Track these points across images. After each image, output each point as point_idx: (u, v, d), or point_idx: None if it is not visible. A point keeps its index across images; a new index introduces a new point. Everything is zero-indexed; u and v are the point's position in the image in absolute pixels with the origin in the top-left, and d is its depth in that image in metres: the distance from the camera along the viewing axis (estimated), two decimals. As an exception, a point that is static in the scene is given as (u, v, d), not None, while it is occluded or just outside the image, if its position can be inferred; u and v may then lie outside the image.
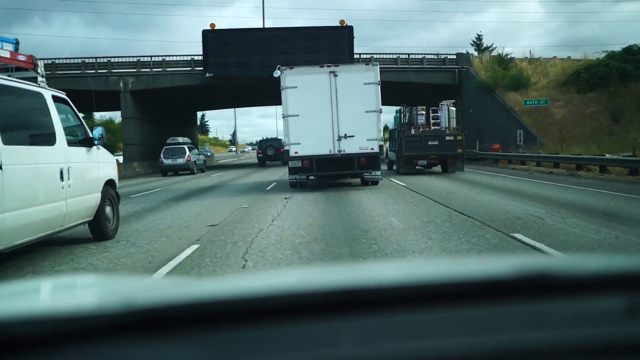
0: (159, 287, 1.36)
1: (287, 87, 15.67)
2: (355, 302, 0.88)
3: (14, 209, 5.69)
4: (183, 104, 46.46)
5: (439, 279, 1.00)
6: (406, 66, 37.94)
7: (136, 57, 36.85)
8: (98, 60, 36.21)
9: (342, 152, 15.72)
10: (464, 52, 40.77)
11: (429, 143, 21.67)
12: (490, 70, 35.51)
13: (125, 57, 37.17)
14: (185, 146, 31.37)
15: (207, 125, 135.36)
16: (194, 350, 0.80)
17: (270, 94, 35.71)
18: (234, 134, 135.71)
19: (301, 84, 15.63)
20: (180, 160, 30.43)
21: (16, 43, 7.03)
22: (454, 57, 39.19)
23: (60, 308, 0.97)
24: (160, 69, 36.51)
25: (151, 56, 37.12)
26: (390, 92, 42.34)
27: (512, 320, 0.87)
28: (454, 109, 23.97)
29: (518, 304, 0.89)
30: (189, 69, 36.63)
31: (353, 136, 15.62)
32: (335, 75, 15.66)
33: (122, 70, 36.25)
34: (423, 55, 39.56)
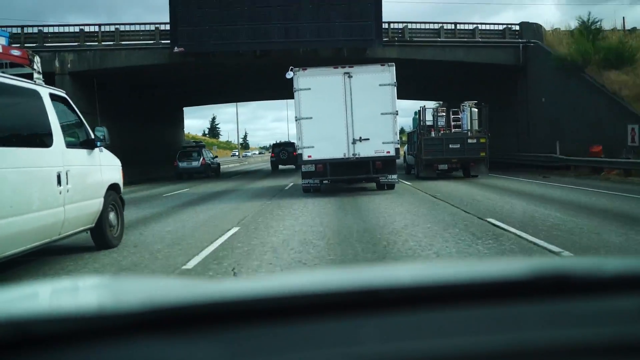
0: (177, 287, 1.32)
1: (300, 89, 15.19)
2: (375, 301, 0.89)
3: (4, 216, 5.19)
4: (161, 95, 36.20)
5: (457, 279, 1.04)
6: (452, 40, 28.40)
7: (79, 25, 26.80)
8: (25, 30, 26.01)
9: (356, 156, 15.22)
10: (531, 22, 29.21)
11: (450, 146, 20.54)
12: (576, 43, 24.93)
13: (64, 25, 27.09)
14: (200, 150, 31.63)
15: (219, 128, 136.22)
16: (214, 349, 0.80)
17: (269, 80, 28.81)
18: (244, 137, 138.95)
19: (314, 85, 15.16)
20: (195, 164, 30.32)
21: (9, 37, 6.55)
22: (517, 27, 28.90)
23: (80, 306, 1.00)
24: (112, 43, 26.40)
25: (99, 25, 26.99)
26: (431, 76, 33.35)
27: (531, 320, 0.87)
28: (476, 110, 22.41)
29: (536, 303, 0.90)
30: (152, 42, 26.55)
31: (368, 139, 15.13)
32: (350, 77, 15.16)
33: (59, 44, 26.10)
34: (475, 26, 29.20)
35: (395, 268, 1.88)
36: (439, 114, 22.08)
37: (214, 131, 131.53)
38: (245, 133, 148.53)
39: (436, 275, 1.15)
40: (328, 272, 1.79)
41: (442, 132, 21.62)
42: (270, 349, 0.80)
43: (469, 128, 21.69)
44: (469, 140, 20.74)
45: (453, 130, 21.80)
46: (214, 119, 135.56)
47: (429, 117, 21.98)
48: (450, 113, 22.21)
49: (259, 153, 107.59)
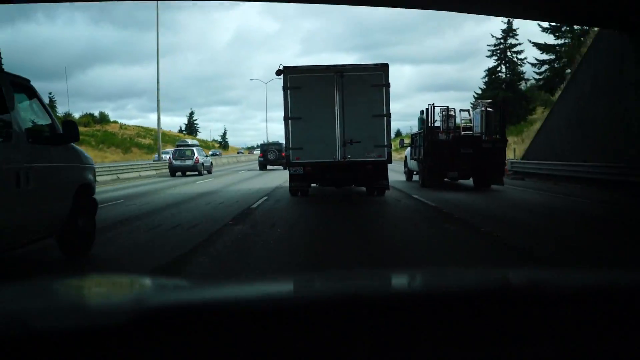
0: (167, 287, 1.30)
1: (290, 87, 14.51)
2: (361, 308, 0.91)
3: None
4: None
5: (434, 288, 1.13)
6: None
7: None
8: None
9: (347, 159, 14.55)
10: None
11: (462, 151, 17.69)
12: None
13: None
14: (194, 148, 32.62)
15: (197, 124, 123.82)
16: (204, 350, 0.80)
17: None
18: (223, 135, 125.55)
19: (305, 84, 14.49)
20: (188, 162, 31.44)
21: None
22: None
23: (72, 305, 1.03)
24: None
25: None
26: None
27: (502, 329, 0.89)
28: (492, 110, 19.66)
29: (507, 312, 0.93)
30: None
31: (359, 142, 14.46)
32: (342, 77, 14.51)
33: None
34: None
35: (381, 273, 1.87)
36: (448, 114, 19.22)
37: (191, 127, 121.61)
38: (225, 130, 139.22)
39: (416, 284, 1.24)
40: (320, 276, 1.75)
41: (452, 134, 19.00)
42: (261, 353, 0.80)
43: (482, 131, 19.11)
44: (484, 145, 17.99)
45: (462, 133, 19.35)
46: (191, 114, 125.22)
47: (437, 117, 19.26)
48: (459, 113, 19.95)
49: (239, 152, 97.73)
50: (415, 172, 21.74)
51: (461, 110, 20.10)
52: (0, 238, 5.20)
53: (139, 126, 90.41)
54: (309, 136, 14.42)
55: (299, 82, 14.47)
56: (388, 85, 14.54)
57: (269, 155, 39.00)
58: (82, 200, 6.85)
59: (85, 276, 4.21)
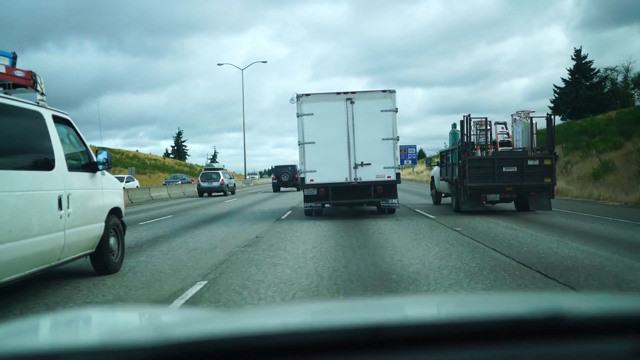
0: (189, 320, 1.30)
1: (304, 114, 15.40)
2: (375, 340, 0.89)
3: (2, 241, 5.01)
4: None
5: (458, 317, 1.08)
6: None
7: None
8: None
9: (358, 180, 15.42)
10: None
11: (504, 170, 15.21)
12: None
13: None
14: (220, 171, 36.54)
15: (185, 147, 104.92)
16: None
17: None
18: (213, 158, 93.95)
19: (317, 111, 15.37)
20: (215, 184, 35.39)
21: (13, 57, 6.43)
22: None
23: (81, 342, 1.03)
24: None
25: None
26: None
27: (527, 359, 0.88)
28: (535, 122, 16.66)
29: (532, 344, 0.91)
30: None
31: (370, 164, 15.36)
32: (352, 103, 15.43)
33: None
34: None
35: (398, 302, 1.83)
36: (481, 128, 16.56)
37: (179, 151, 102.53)
38: (215, 152, 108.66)
39: (437, 313, 1.19)
40: (334, 306, 1.76)
41: (492, 150, 16.41)
42: None
43: (525, 146, 16.28)
44: (530, 162, 15.37)
45: (499, 148, 16.72)
46: (179, 134, 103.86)
47: (473, 130, 16.53)
48: (495, 126, 17.18)
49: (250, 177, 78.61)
50: (443, 195, 19.88)
51: (496, 123, 17.43)
52: (47, 255, 5.81)
53: (149, 154, 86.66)
54: (322, 159, 15.26)
55: (312, 109, 15.32)
56: (395, 110, 15.43)
57: (282, 177, 39.79)
58: (113, 221, 7.47)
59: (110, 308, 4.63)
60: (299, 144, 15.48)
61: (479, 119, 16.50)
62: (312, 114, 15.29)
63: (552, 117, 16.49)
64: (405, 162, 60.94)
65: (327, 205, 16.47)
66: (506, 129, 17.49)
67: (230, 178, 39.38)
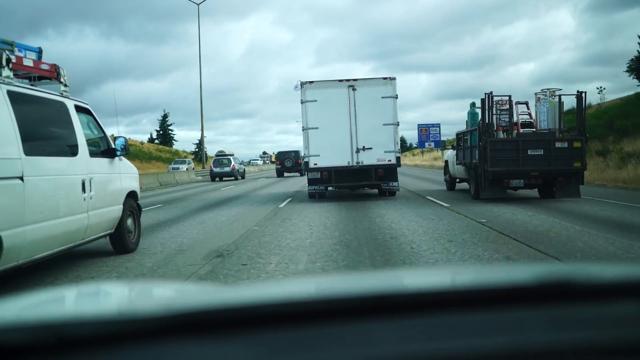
0: (196, 292, 1.37)
1: (307, 101, 16.00)
2: (389, 306, 0.92)
3: (35, 221, 5.50)
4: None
5: (464, 285, 1.10)
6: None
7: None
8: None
9: (360, 164, 16.07)
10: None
11: (530, 152, 13.87)
12: None
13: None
14: (230, 157, 39.36)
15: (172, 132, 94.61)
16: (235, 351, 0.83)
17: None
18: (198, 144, 78.42)
19: (321, 97, 15.97)
20: (226, 169, 38.00)
21: (39, 52, 6.88)
22: None
23: (104, 311, 1.06)
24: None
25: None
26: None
27: (536, 323, 0.90)
28: (563, 101, 15.26)
29: (541, 308, 0.93)
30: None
31: (371, 148, 16.01)
32: (354, 89, 16.02)
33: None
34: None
35: (405, 274, 1.88)
36: (502, 107, 15.01)
37: (165, 136, 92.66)
38: (201, 137, 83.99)
39: (446, 281, 1.21)
40: (343, 278, 1.82)
41: (516, 131, 15.08)
42: (291, 351, 0.84)
43: (551, 127, 14.93)
44: (558, 144, 14.03)
45: (521, 130, 15.35)
46: (165, 117, 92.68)
47: (494, 110, 14.90)
48: (515, 105, 15.52)
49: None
50: (458, 180, 18.79)
51: (517, 103, 15.85)
52: (73, 235, 6.32)
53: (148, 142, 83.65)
54: (325, 144, 15.91)
55: (315, 96, 15.96)
56: (396, 96, 16.06)
57: (286, 162, 40.40)
58: (130, 204, 7.97)
59: (115, 282, 4.99)
60: (303, 130, 16.13)
61: (500, 98, 14.99)
62: (315, 101, 15.93)
63: (583, 94, 14.74)
64: (426, 144, 54.01)
65: (330, 188, 17.10)
66: (528, 109, 16.08)
67: (240, 163, 42.71)
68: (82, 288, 1.78)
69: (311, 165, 16.09)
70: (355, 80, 16.22)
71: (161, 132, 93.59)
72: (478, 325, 0.90)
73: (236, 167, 38.68)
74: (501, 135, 14.81)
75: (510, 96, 15.02)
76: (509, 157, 14.01)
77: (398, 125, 16.13)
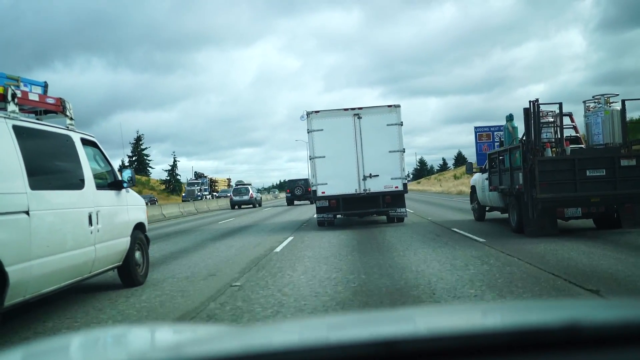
0: (205, 338, 1.34)
1: (314, 130, 16.17)
2: (392, 354, 0.89)
3: (41, 256, 5.45)
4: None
5: (474, 329, 1.05)
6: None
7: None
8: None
9: (367, 191, 16.15)
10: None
11: (588, 174, 11.13)
12: None
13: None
14: (249, 186, 43.70)
15: (147, 157, 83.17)
16: None
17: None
18: (172, 169, 79.38)
19: (327, 126, 16.12)
20: (245, 197, 41.95)
21: (45, 86, 6.93)
22: None
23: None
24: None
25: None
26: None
27: None
28: (618, 109, 12.25)
29: (550, 353, 0.90)
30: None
31: (378, 175, 16.10)
32: (359, 118, 16.18)
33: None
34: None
35: (411, 314, 1.82)
36: (545, 120, 12.24)
37: (140, 163, 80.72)
38: (174, 162, 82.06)
39: (452, 325, 1.18)
40: (349, 320, 1.78)
41: (569, 146, 12.10)
42: None
43: (607, 141, 12.22)
44: (624, 162, 11.28)
45: (568, 146, 12.16)
46: (138, 140, 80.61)
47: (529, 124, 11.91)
48: (554, 118, 12.38)
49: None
50: (488, 209, 16.09)
51: (563, 113, 12.60)
52: (80, 268, 6.26)
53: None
54: (332, 172, 16.01)
55: (322, 125, 16.11)
56: (401, 123, 16.18)
57: (295, 191, 40.71)
58: (137, 236, 7.92)
59: (122, 326, 4.96)
60: (310, 159, 16.33)
61: (549, 109, 12.35)
62: (321, 130, 16.09)
63: None
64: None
65: (338, 215, 17.12)
66: (572, 121, 13.18)
67: (257, 192, 47.47)
68: (88, 335, 1.74)
69: (319, 193, 16.18)
70: (360, 108, 16.38)
71: (134, 157, 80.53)
72: None
73: (254, 196, 42.64)
74: (549, 153, 11.90)
75: (561, 104, 12.19)
76: (562, 180, 11.21)
77: (404, 151, 16.26)
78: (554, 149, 12.11)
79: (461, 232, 13.17)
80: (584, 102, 12.92)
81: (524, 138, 11.92)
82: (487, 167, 15.51)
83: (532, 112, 11.62)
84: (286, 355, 0.90)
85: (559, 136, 12.21)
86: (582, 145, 12.82)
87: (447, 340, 0.96)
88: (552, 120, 12.19)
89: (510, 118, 14.53)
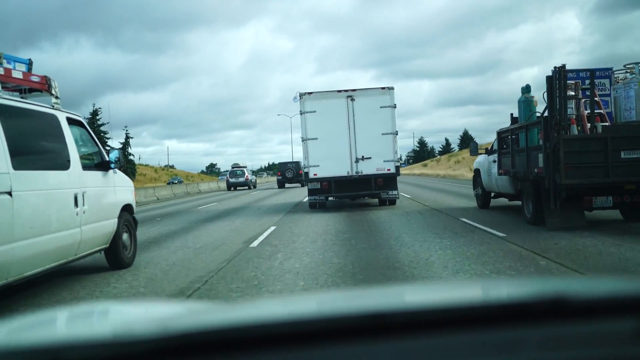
0: (191, 312, 1.34)
1: (306, 112, 16.03)
2: (381, 326, 0.91)
3: (24, 237, 5.32)
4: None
5: (461, 302, 1.06)
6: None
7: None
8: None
9: (359, 174, 16.08)
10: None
11: (623, 156, 9.37)
12: None
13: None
14: (244, 169, 44.85)
15: (105, 135, 64.04)
16: None
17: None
18: (125, 143, 70.17)
19: (320, 108, 15.98)
20: (241, 179, 43.46)
21: (29, 63, 6.74)
22: None
23: (96, 334, 1.02)
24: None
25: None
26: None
27: (529, 342, 0.90)
28: None
29: (535, 325, 0.92)
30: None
31: (370, 158, 16.02)
32: (353, 100, 16.05)
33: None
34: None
35: (401, 290, 1.79)
36: (593, 87, 10.26)
37: (124, 150, 66.48)
38: (127, 138, 72.52)
39: (441, 299, 1.19)
40: (338, 296, 1.79)
41: (599, 122, 10.40)
42: None
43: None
44: None
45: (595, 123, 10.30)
46: (95, 113, 67.43)
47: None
48: (577, 89, 10.34)
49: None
50: (493, 195, 14.56)
51: (582, 88, 10.53)
52: (65, 251, 6.14)
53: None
54: (325, 154, 15.91)
55: (314, 107, 15.95)
56: (394, 106, 16.04)
57: (287, 173, 40.66)
58: (125, 218, 7.79)
59: (109, 302, 4.90)
60: (303, 140, 16.16)
61: (577, 73, 10.65)
62: (314, 112, 15.95)
63: None
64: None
65: (330, 198, 17.05)
66: (595, 95, 10.49)
67: (252, 174, 49.24)
68: (74, 309, 1.69)
69: (311, 175, 16.09)
70: (353, 90, 16.25)
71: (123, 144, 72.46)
72: (473, 344, 0.89)
73: (249, 178, 44.31)
74: (575, 131, 10.05)
75: (592, 70, 10.41)
76: (591, 164, 9.42)
77: (397, 134, 16.16)
78: (578, 127, 10.22)
79: (472, 223, 11.37)
80: (612, 72, 11.20)
81: (545, 112, 9.97)
82: (493, 148, 13.95)
83: (558, 81, 9.65)
84: (273, 328, 0.91)
85: (587, 111, 10.25)
86: (607, 123, 10.68)
87: (437, 313, 0.97)
88: (573, 93, 10.14)
89: (526, 89, 11.93)
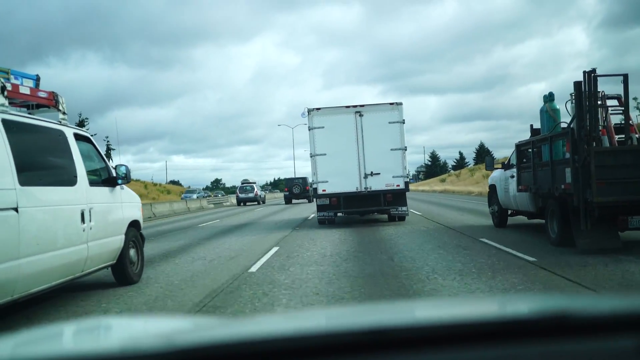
0: (197, 327, 1.33)
1: (315, 127, 16.00)
2: (384, 342, 0.90)
3: (30, 254, 5.28)
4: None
5: (466, 319, 1.06)
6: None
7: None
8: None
9: (368, 189, 15.96)
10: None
11: None
12: None
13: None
14: (254, 185, 46.11)
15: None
16: None
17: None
18: (107, 151, 42.58)
19: (328, 124, 15.96)
20: (250, 195, 44.81)
21: (37, 79, 6.76)
22: None
23: (105, 348, 1.02)
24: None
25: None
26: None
27: (532, 358, 0.89)
28: None
29: (538, 342, 0.92)
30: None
31: (379, 173, 15.92)
32: (361, 115, 16.02)
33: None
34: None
35: (404, 307, 1.78)
36: (606, 97, 9.44)
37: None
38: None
39: (445, 315, 1.19)
40: (343, 311, 1.80)
41: (635, 134, 9.70)
42: None
43: None
44: None
45: (617, 137, 9.60)
46: (81, 123, 45.97)
47: (568, 109, 9.63)
48: (604, 99, 9.42)
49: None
50: (511, 212, 13.51)
51: (609, 97, 9.59)
52: (72, 267, 6.10)
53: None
54: (333, 170, 15.83)
55: (323, 122, 15.94)
56: (403, 121, 15.99)
57: (294, 189, 40.63)
58: (132, 234, 7.75)
59: (116, 316, 4.85)
60: (311, 156, 16.13)
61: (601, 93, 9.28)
62: (323, 127, 15.94)
63: None
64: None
65: (339, 214, 16.97)
66: (621, 105, 9.57)
67: (262, 190, 50.51)
68: (81, 323, 1.71)
69: (320, 191, 16.02)
70: (362, 106, 16.22)
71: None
72: None
73: (259, 193, 45.70)
74: (606, 142, 9.16)
75: (626, 75, 9.08)
76: (627, 179, 8.47)
77: (406, 149, 16.09)
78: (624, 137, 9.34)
79: (494, 244, 10.33)
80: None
81: (573, 123, 9.01)
82: (510, 162, 13.02)
83: (588, 88, 8.65)
84: (279, 343, 0.91)
85: (620, 121, 9.28)
86: (638, 135, 9.82)
87: (441, 329, 0.97)
88: (600, 102, 9.16)
89: (550, 98, 10.72)
